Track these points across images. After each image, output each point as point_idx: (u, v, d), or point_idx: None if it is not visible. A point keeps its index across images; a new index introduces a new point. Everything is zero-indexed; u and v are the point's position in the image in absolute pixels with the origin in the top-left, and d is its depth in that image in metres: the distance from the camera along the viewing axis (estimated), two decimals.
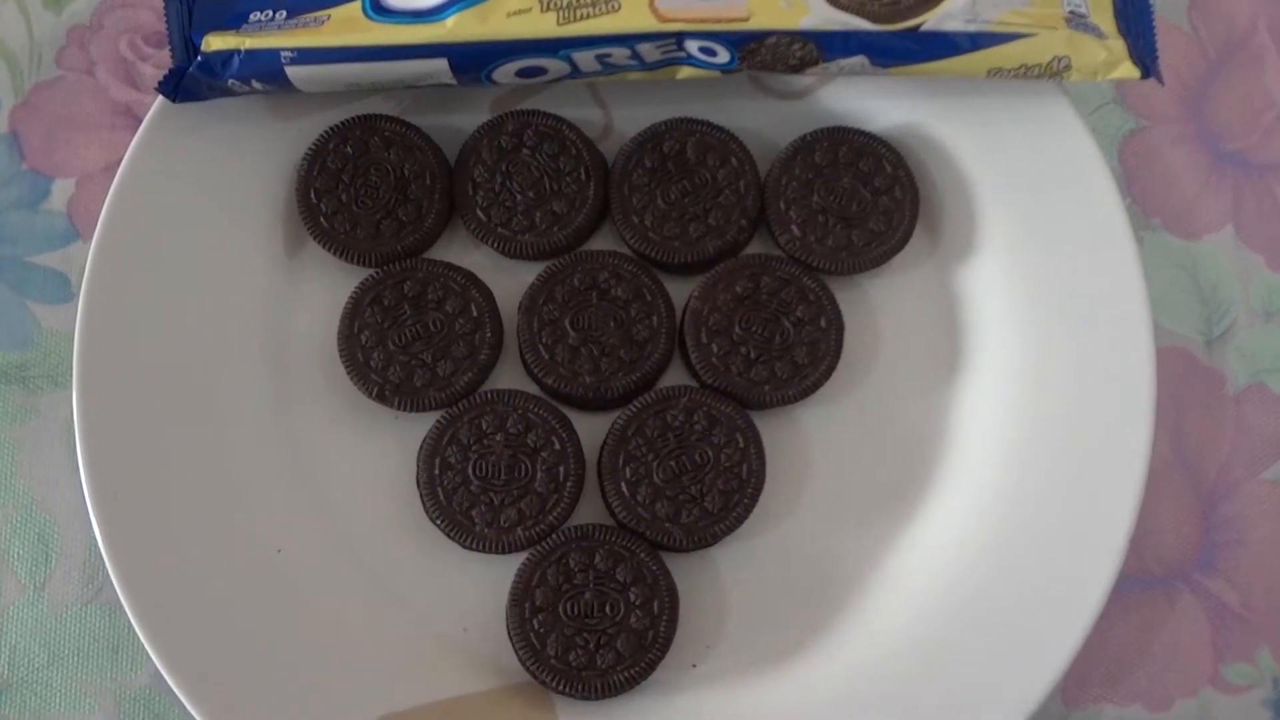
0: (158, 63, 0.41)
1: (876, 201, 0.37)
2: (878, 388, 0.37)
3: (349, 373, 0.36)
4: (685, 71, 0.36)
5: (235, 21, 0.36)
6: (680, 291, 0.37)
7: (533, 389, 0.37)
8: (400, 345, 0.36)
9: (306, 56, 0.35)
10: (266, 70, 0.35)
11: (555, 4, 0.34)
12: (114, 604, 0.37)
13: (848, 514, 0.36)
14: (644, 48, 0.34)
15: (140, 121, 0.37)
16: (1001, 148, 0.37)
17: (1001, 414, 0.36)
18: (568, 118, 0.38)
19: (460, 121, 0.39)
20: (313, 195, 0.37)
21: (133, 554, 0.34)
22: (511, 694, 0.34)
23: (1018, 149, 0.37)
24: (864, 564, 0.36)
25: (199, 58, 0.35)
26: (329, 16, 0.35)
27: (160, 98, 0.36)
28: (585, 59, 0.35)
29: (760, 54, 0.35)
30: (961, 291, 0.37)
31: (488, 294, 0.37)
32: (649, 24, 0.34)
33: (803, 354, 0.36)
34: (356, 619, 0.35)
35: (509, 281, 0.38)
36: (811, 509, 0.36)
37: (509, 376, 0.37)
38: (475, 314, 0.36)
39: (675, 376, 0.37)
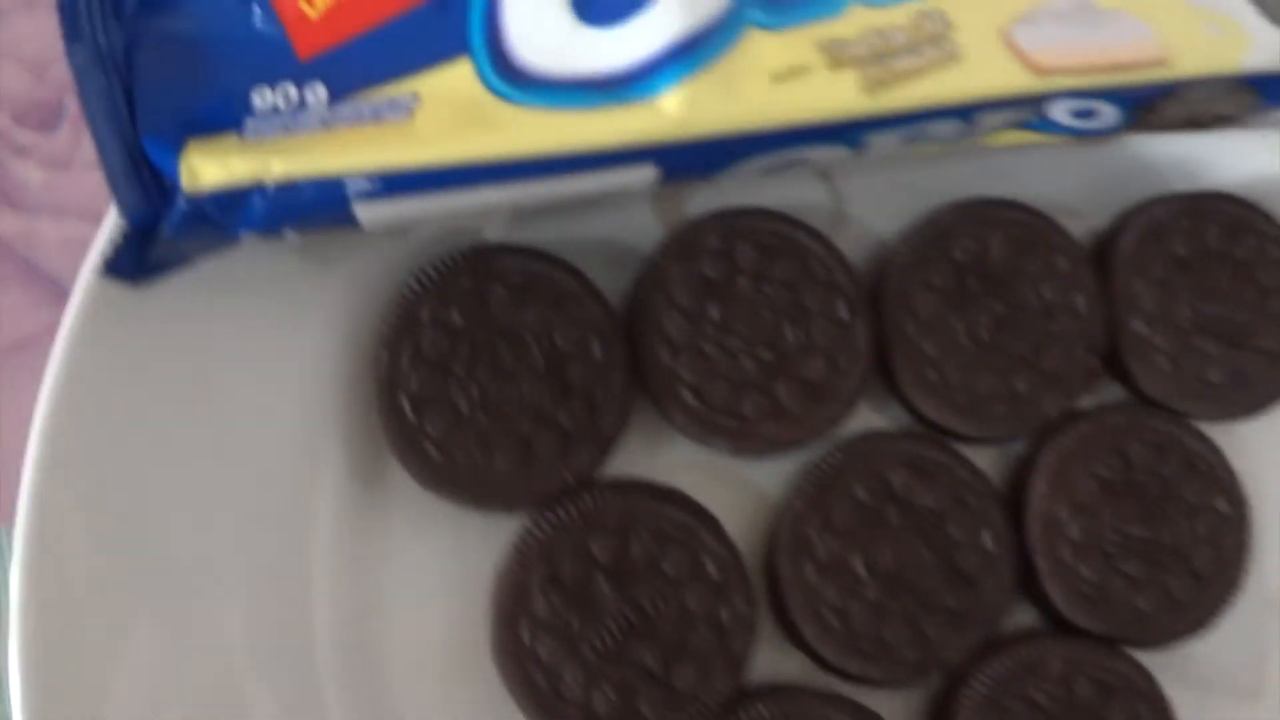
0: (45, 157, 0.23)
1: (1265, 305, 0.25)
2: None
3: (526, 710, 0.21)
4: (1011, 138, 0.22)
5: (227, 110, 0.19)
6: (991, 469, 0.24)
7: (813, 675, 0.23)
8: (605, 651, 0.21)
9: (398, 184, 0.19)
10: (316, 212, 0.19)
11: (850, 54, 0.19)
12: None
13: None
14: (992, 116, 0.20)
15: (65, 297, 0.20)
16: None
17: None
18: (785, 209, 0.24)
19: (608, 228, 0.24)
20: (407, 408, 0.21)
21: None
22: None
23: None
24: None
25: (183, 202, 0.18)
26: (418, 98, 0.19)
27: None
28: (886, 140, 0.20)
29: (1167, 111, 0.21)
30: None
31: (723, 536, 0.22)
32: (1017, 82, 0.19)
33: (1203, 559, 0.24)
34: None
35: (735, 496, 0.24)
36: None
37: (773, 659, 0.23)
38: (714, 573, 0.22)
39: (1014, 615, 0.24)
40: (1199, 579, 0.24)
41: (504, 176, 0.19)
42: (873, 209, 0.25)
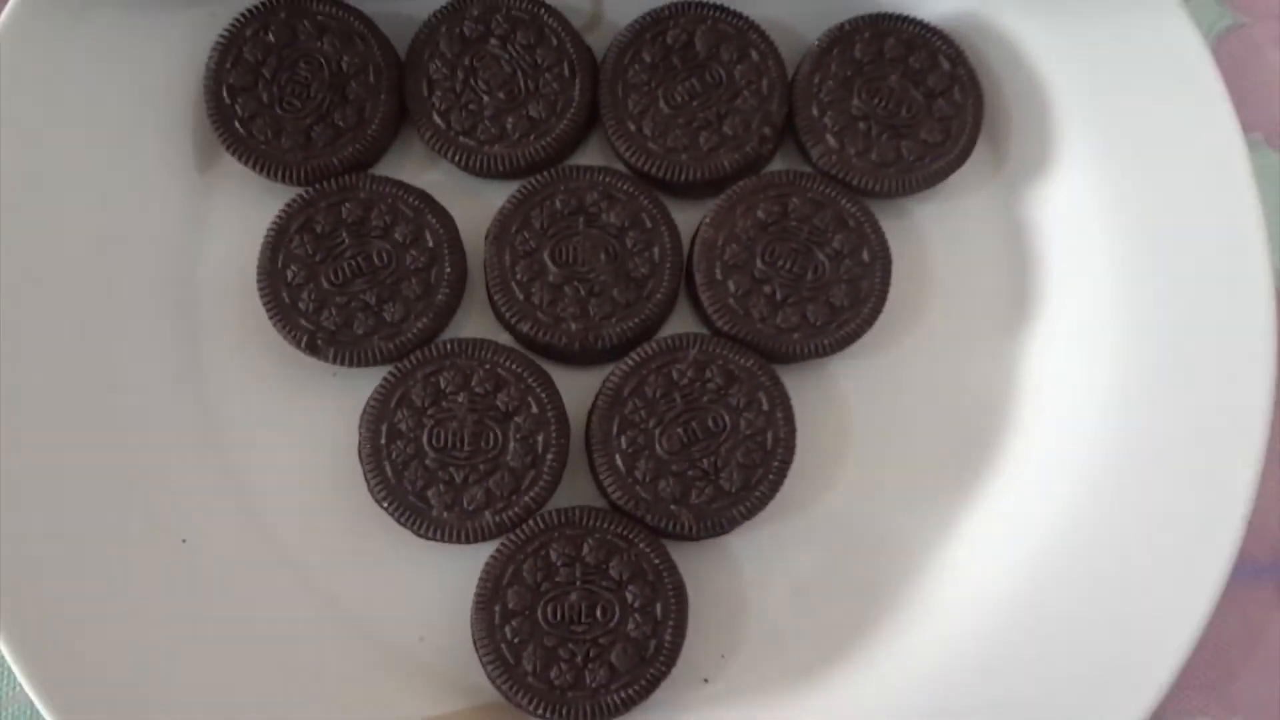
0: None
1: (931, 106, 0.30)
2: (932, 335, 0.30)
3: (272, 317, 0.29)
4: None
5: None
6: (688, 217, 0.30)
7: (504, 338, 0.30)
8: (337, 283, 0.29)
9: None
10: None
11: None
12: None
13: (895, 491, 0.29)
14: None
15: None
16: (1083, 40, 0.30)
17: (1084, 367, 0.29)
18: (546, 1, 0.31)
19: (411, 6, 0.31)
20: (226, 95, 0.30)
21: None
22: (479, 719, 0.28)
23: (1103, 41, 0.30)
24: (915, 554, 0.29)
25: None
26: None
27: None
28: None
29: None
30: (1034, 217, 0.30)
31: (447, 220, 0.29)
32: None
33: (841, 294, 0.29)
34: (283, 627, 0.28)
35: (474, 204, 0.30)
36: (850, 486, 0.29)
37: (474, 323, 0.30)
38: (431, 244, 0.29)
39: (681, 322, 0.30)
40: (834, 310, 0.29)
41: None
42: (627, 16, 0.31)
